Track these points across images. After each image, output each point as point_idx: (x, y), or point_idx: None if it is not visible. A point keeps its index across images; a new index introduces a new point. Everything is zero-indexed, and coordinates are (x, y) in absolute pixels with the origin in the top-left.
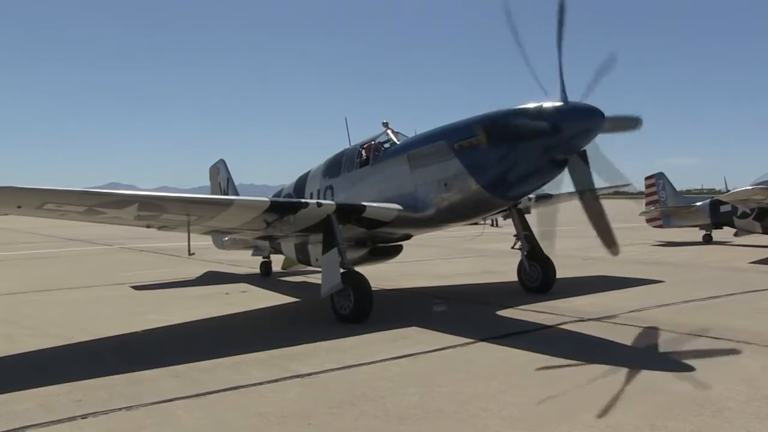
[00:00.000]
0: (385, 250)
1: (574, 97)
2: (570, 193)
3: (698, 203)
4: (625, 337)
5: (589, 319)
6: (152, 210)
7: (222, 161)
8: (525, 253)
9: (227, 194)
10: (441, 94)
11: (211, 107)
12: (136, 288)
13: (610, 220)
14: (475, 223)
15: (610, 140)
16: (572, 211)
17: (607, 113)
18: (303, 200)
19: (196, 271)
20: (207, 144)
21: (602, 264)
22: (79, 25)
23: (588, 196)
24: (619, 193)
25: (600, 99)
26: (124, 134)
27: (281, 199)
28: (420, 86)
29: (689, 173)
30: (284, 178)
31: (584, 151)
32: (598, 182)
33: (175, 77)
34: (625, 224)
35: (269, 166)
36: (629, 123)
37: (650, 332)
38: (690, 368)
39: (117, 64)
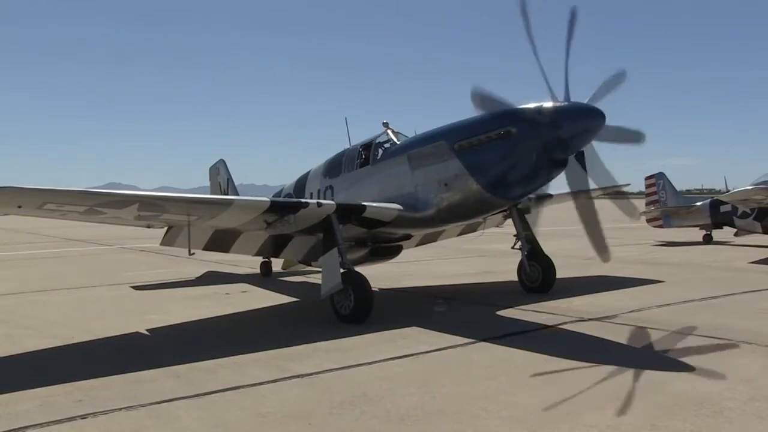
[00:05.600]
0: (385, 250)
1: (578, 100)
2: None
3: (698, 203)
4: (626, 337)
5: (590, 319)
6: (153, 210)
7: (222, 161)
8: (525, 253)
9: (227, 194)
10: (442, 94)
11: (212, 107)
12: (136, 288)
13: (602, 224)
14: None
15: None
16: (572, 211)
17: (612, 122)
18: (303, 200)
19: (196, 271)
20: (207, 144)
21: (603, 264)
22: (78, 24)
23: (583, 197)
24: (619, 193)
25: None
26: (125, 134)
27: (281, 199)
28: (421, 86)
29: (689, 173)
30: (284, 178)
31: (582, 152)
32: (593, 184)
33: (176, 77)
34: (625, 224)
35: (269, 167)
36: (632, 136)
37: (650, 332)
38: (690, 368)
39: (118, 63)
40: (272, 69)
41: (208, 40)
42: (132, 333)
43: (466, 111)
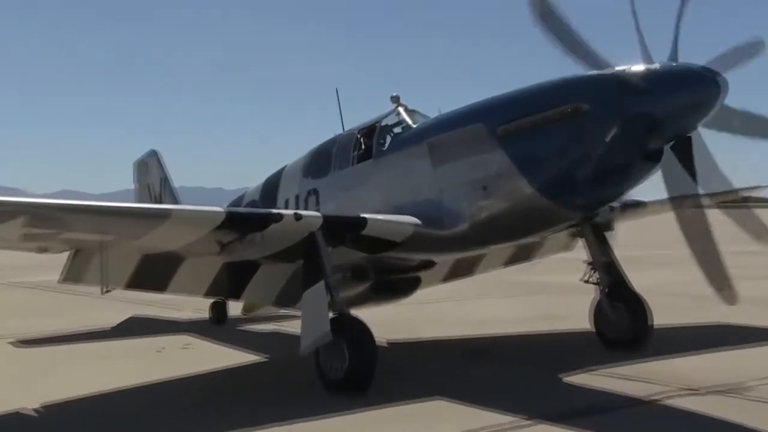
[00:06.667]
0: (395, 284)
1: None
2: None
3: None
4: (764, 419)
5: (706, 392)
6: (48, 226)
7: (153, 153)
8: (605, 289)
9: (162, 201)
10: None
11: (137, 80)
12: (24, 343)
13: (720, 247)
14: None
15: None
16: (675, 226)
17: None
18: (274, 210)
19: (114, 316)
20: (130, 133)
21: (723, 307)
22: None
23: (687, 205)
24: (746, 199)
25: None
26: (7, 119)
27: (242, 210)
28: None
29: None
30: (246, 180)
31: (689, 138)
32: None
33: (86, 41)
34: (756, 248)
35: (224, 165)
36: (748, 51)
37: None
38: None
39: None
40: (216, 23)
41: None
42: (13, 412)
43: (501, 86)
